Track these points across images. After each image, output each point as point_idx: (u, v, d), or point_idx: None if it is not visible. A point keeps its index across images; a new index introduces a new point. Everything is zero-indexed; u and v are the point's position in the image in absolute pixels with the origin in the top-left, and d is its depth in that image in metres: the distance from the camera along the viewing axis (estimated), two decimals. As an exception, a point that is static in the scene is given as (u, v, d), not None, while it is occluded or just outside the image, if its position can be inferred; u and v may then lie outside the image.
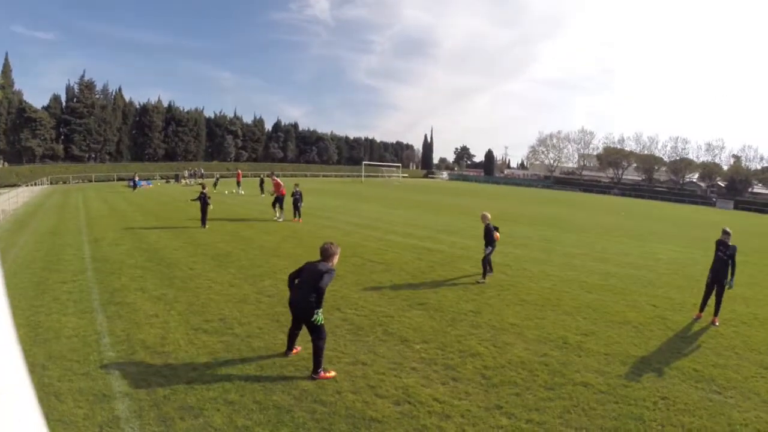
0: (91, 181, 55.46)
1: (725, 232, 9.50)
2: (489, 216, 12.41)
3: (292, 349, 6.99)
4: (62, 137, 61.94)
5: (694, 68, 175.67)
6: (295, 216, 21.48)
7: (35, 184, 43.68)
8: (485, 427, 5.29)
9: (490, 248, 11.94)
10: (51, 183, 50.53)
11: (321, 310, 6.22)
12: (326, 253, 6.61)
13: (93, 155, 64.43)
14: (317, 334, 6.27)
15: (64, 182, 53.34)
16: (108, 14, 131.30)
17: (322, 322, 6.27)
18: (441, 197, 46.49)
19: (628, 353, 7.53)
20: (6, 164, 55.90)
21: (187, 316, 8.68)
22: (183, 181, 54.40)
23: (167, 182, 55.06)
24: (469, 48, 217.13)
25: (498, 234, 12.14)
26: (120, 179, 56.46)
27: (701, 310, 9.49)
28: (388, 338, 7.86)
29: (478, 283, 11.72)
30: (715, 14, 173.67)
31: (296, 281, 6.61)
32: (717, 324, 9.14)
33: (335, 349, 7.34)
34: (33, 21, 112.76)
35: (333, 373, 6.35)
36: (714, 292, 9.29)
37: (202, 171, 60.01)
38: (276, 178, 22.64)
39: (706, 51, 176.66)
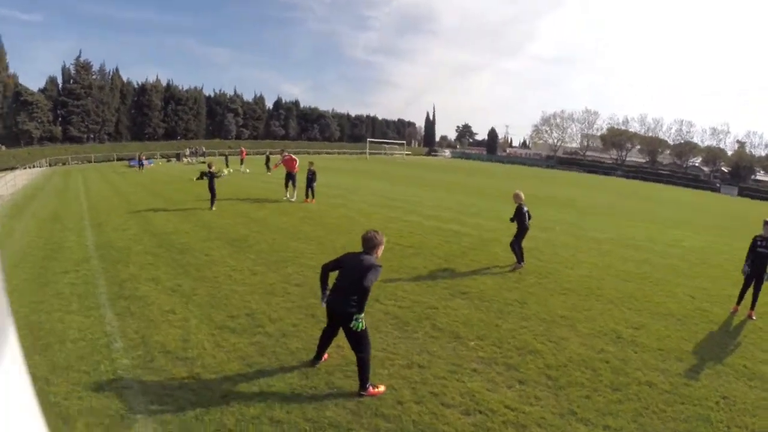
0: (90, 161, 54.25)
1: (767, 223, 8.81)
2: (522, 196, 11.31)
3: (321, 357, 5.92)
4: (60, 119, 60.40)
5: (700, 51, 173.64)
6: (307, 196, 20.24)
7: (33, 167, 42.55)
8: (564, 436, 4.43)
9: (518, 236, 11.06)
10: (50, 165, 49.43)
11: (363, 315, 5.12)
12: (370, 243, 5.51)
13: (92, 136, 62.96)
14: (358, 344, 5.22)
15: (63, 164, 52.20)
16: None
17: (364, 328, 5.17)
18: (449, 176, 45.48)
19: (681, 348, 7.11)
20: (3, 148, 54.67)
21: (208, 311, 7.63)
22: (185, 159, 53.16)
23: (168, 161, 53.76)
24: (468, 24, 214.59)
25: (528, 222, 11.12)
26: (120, 159, 55.27)
27: (738, 303, 9.11)
28: (438, 334, 7.03)
29: (514, 269, 10.84)
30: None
31: (335, 278, 5.55)
32: (754, 318, 8.80)
33: (385, 349, 6.38)
34: (17, 3, 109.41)
35: (382, 388, 5.38)
36: (752, 286, 8.85)
37: (204, 149, 58.84)
38: (288, 154, 21.27)
39: (713, 34, 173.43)
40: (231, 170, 36.72)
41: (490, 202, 24.00)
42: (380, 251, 5.60)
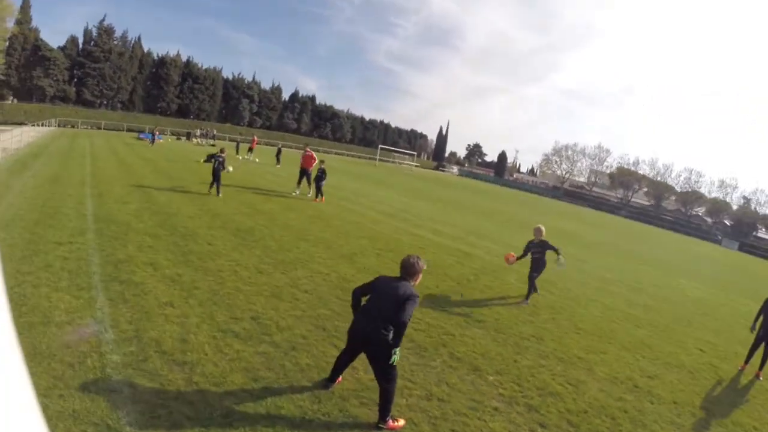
0: (100, 128, 53.68)
1: None
2: (544, 231, 10.66)
3: (336, 380, 5.39)
4: (75, 80, 59.93)
5: (716, 102, 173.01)
6: (316, 196, 19.61)
7: (42, 125, 41.89)
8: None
9: (536, 274, 10.48)
10: (59, 125, 48.81)
11: (399, 348, 4.68)
12: (410, 270, 5.02)
13: (105, 102, 62.48)
14: (387, 375, 4.74)
15: (73, 126, 51.66)
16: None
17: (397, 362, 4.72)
18: (458, 193, 44.96)
19: (694, 403, 7.02)
20: (15, 101, 54.07)
21: (210, 308, 7.00)
22: (194, 140, 52.59)
23: (178, 139, 53.14)
24: (493, 47, 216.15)
25: (557, 256, 10.37)
26: (130, 130, 54.65)
27: (746, 362, 9.11)
28: (457, 364, 6.58)
29: (522, 304, 10.25)
30: (740, 46, 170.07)
31: (364, 301, 5.11)
32: (761, 378, 8.74)
33: (402, 375, 5.79)
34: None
35: (402, 422, 4.87)
36: (762, 347, 8.82)
37: (215, 132, 58.26)
38: (310, 150, 20.62)
39: (730, 87, 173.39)
40: (240, 158, 36.07)
41: (498, 227, 23.45)
42: (419, 280, 5.15)
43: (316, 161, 20.15)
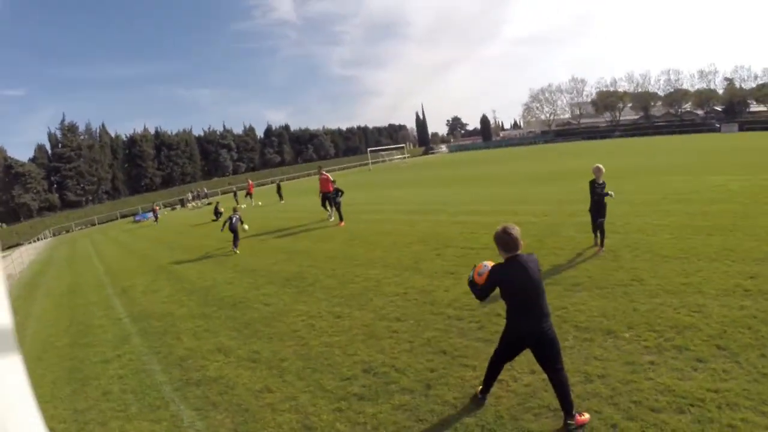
0: (94, 224, 52.76)
1: None
2: (602, 170, 9.60)
3: (489, 390, 4.72)
4: (55, 185, 59.23)
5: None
6: (341, 219, 18.19)
7: (38, 240, 40.89)
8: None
9: (603, 219, 9.53)
10: (54, 235, 47.91)
11: None
12: (519, 242, 4.19)
13: (90, 197, 61.50)
14: (559, 364, 4.17)
15: (67, 231, 50.75)
16: (76, 57, 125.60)
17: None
18: (462, 170, 43.62)
19: None
20: (4, 225, 53.20)
21: (312, 378, 5.83)
22: (189, 204, 51.41)
23: (173, 209, 51.91)
24: (440, 21, 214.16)
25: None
26: (123, 216, 53.74)
27: None
28: (588, 335, 5.91)
29: (600, 253, 9.40)
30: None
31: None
32: None
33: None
34: (1, 80, 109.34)
35: (587, 416, 4.22)
36: None
37: (206, 191, 57.13)
38: (325, 173, 19.30)
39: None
40: (243, 206, 34.85)
41: (521, 188, 21.92)
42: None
43: (334, 183, 18.75)
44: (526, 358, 4.88)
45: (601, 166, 9.62)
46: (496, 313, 6.85)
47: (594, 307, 6.67)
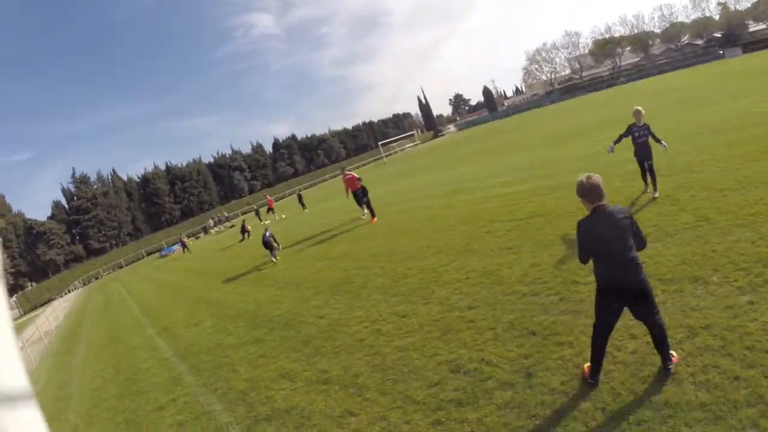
0: (121, 266, 52.83)
1: None
2: (644, 112, 9.00)
3: (600, 371, 4.13)
4: (77, 237, 59.60)
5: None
6: (373, 216, 17.33)
7: (68, 292, 40.85)
8: None
9: (650, 161, 8.86)
10: (84, 284, 47.99)
11: None
12: (601, 190, 3.87)
13: (113, 242, 61.75)
14: (655, 308, 3.86)
15: (96, 278, 50.85)
16: (72, 112, 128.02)
17: None
18: (477, 144, 42.34)
19: None
20: (34, 284, 53.55)
21: (397, 390, 5.01)
22: (212, 230, 51.22)
23: (197, 238, 51.66)
24: (417, 2, 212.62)
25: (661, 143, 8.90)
26: (149, 253, 53.75)
27: None
28: (675, 286, 5.23)
29: (654, 198, 8.67)
30: None
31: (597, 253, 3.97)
32: None
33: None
34: (6, 147, 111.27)
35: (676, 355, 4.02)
36: None
37: (226, 214, 56.88)
38: (349, 172, 18.44)
39: None
40: (267, 222, 34.29)
41: (547, 150, 20.65)
42: None
43: (360, 180, 17.83)
44: (621, 323, 4.32)
45: (640, 108, 9.00)
46: (572, 280, 6.16)
47: (671, 256, 6.00)
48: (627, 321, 4.00)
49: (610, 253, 3.81)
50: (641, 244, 3.90)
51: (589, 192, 3.86)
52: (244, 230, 27.45)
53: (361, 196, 17.46)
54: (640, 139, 8.86)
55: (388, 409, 4.74)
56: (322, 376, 6.00)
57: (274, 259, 15.67)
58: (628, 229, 3.79)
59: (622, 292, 3.82)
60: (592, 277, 5.94)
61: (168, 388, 7.79)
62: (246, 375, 6.98)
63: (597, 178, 3.84)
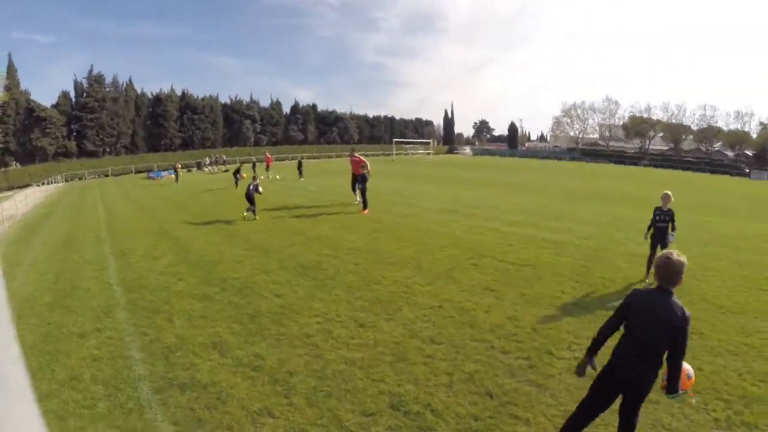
0: (108, 175, 52.02)
1: None
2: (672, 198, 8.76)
3: None
4: (74, 134, 58.42)
5: (724, 33, 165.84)
6: (364, 207, 16.91)
7: (48, 183, 40.04)
8: None
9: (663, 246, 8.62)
10: (66, 180, 47.12)
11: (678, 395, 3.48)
12: (678, 277, 3.37)
13: (107, 149, 60.73)
14: (636, 416, 3.56)
15: (80, 179, 50.01)
16: (108, 11, 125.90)
17: None
18: (491, 174, 41.94)
19: None
20: (18, 165, 52.59)
21: (326, 405, 4.55)
22: (206, 168, 50.61)
23: (189, 171, 50.92)
24: (477, 18, 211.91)
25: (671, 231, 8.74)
26: (138, 171, 52.98)
27: None
28: (653, 395, 3.92)
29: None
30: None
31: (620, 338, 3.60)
32: None
33: None
34: (33, 25, 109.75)
35: None
36: None
37: (224, 158, 56.16)
38: (357, 155, 17.93)
39: (734, 17, 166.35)
40: (261, 178, 33.73)
41: (558, 203, 20.33)
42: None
43: (367, 165, 17.32)
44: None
45: (669, 192, 8.75)
46: (547, 350, 5.72)
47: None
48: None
49: (636, 340, 3.43)
50: (678, 354, 3.34)
51: (664, 271, 3.40)
52: (237, 174, 27.07)
53: (359, 181, 17.03)
54: (660, 223, 8.66)
55: (310, 423, 4.30)
56: (255, 360, 5.55)
57: (254, 215, 15.60)
58: (673, 329, 3.29)
59: (623, 388, 3.53)
60: (569, 353, 5.61)
61: (98, 315, 7.31)
62: (180, 330, 6.52)
63: (678, 263, 3.34)
